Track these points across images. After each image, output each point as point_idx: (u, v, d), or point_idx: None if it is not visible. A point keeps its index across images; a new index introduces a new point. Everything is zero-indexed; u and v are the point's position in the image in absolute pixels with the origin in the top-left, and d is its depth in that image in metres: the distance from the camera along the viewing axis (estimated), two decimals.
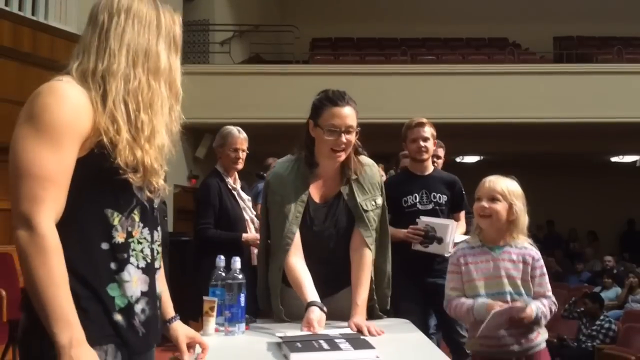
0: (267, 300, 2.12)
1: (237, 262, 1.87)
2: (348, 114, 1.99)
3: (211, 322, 1.84)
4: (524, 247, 2.09)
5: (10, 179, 1.20)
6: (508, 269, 2.06)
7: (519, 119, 8.33)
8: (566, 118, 8.45)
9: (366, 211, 2.08)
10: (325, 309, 1.87)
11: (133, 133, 1.26)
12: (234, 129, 3.44)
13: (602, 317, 6.10)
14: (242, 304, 1.86)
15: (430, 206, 3.16)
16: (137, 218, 1.31)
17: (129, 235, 1.29)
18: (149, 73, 1.31)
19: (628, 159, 10.90)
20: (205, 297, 1.87)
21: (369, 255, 2.07)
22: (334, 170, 2.07)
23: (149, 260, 1.32)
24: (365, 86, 7.71)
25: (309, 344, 1.48)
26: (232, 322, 1.85)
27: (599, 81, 8.59)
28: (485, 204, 2.08)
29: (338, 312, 2.00)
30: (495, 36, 11.67)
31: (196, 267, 3.35)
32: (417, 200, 3.17)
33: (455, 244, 2.65)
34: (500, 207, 2.06)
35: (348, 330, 1.81)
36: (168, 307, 1.50)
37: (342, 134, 1.97)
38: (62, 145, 1.20)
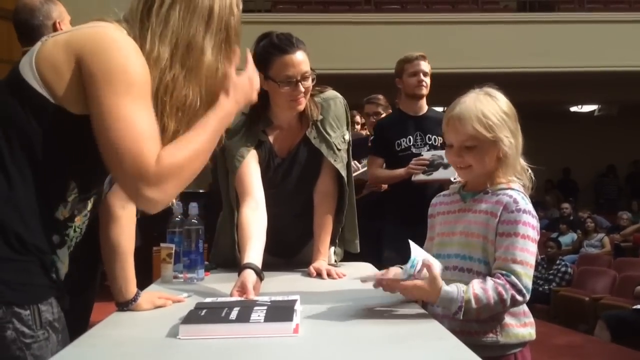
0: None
1: (194, 208, 1.84)
2: (301, 60, 1.80)
3: (169, 269, 1.81)
4: (503, 192, 1.42)
5: (114, 137, 1.02)
6: (469, 222, 1.46)
7: (482, 68, 8.34)
8: (528, 67, 8.52)
9: (339, 150, 1.97)
10: (263, 275, 1.61)
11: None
12: None
13: (558, 262, 6.34)
14: (201, 250, 1.83)
15: (425, 149, 2.99)
16: (89, 206, 1.17)
17: (71, 218, 1.13)
18: (187, 70, 1.10)
19: (586, 108, 11.12)
20: (162, 244, 1.84)
21: (333, 199, 2.00)
22: (292, 118, 1.94)
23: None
24: (329, 36, 7.57)
25: (217, 312, 1.24)
26: (191, 269, 1.83)
27: (560, 30, 8.65)
28: (456, 156, 1.47)
29: (308, 259, 1.96)
30: None
31: None
32: (412, 143, 3.01)
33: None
34: (479, 154, 1.44)
35: (289, 297, 1.39)
36: (132, 286, 1.41)
37: (299, 83, 1.81)
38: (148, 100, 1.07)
